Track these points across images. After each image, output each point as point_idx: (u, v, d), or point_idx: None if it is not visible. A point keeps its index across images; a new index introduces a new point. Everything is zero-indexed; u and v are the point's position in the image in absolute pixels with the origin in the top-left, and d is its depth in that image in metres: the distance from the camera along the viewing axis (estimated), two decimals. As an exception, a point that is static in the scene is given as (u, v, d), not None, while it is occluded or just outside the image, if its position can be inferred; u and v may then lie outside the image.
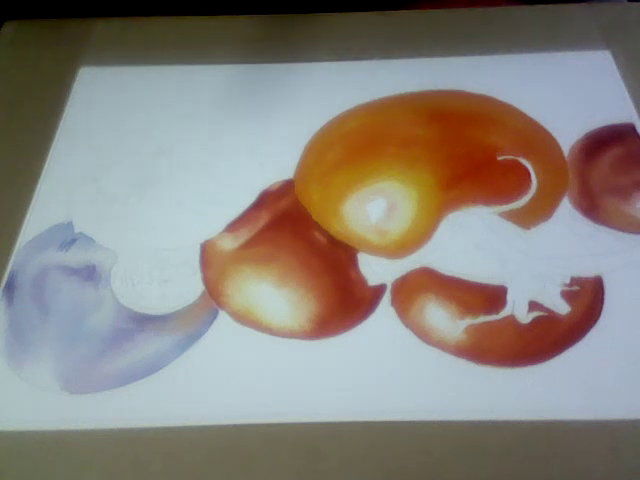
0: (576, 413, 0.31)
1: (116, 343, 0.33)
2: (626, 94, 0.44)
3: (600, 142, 0.41)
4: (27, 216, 0.38)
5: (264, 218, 0.38)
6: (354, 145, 0.41)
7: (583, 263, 0.36)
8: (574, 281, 0.35)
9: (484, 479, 0.30)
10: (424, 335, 0.34)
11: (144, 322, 0.34)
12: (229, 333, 0.34)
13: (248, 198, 0.39)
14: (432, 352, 0.33)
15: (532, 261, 0.36)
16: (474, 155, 0.40)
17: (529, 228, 0.37)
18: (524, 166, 0.40)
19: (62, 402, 0.32)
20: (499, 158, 0.41)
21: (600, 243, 0.37)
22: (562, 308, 0.34)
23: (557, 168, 0.40)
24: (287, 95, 0.45)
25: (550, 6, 0.49)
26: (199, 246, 0.37)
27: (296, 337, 0.34)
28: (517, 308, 0.34)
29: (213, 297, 0.35)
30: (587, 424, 0.31)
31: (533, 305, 0.34)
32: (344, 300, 0.35)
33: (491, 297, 0.35)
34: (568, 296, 0.35)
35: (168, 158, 0.41)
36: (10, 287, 0.36)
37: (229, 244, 0.37)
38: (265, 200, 0.39)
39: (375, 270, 0.36)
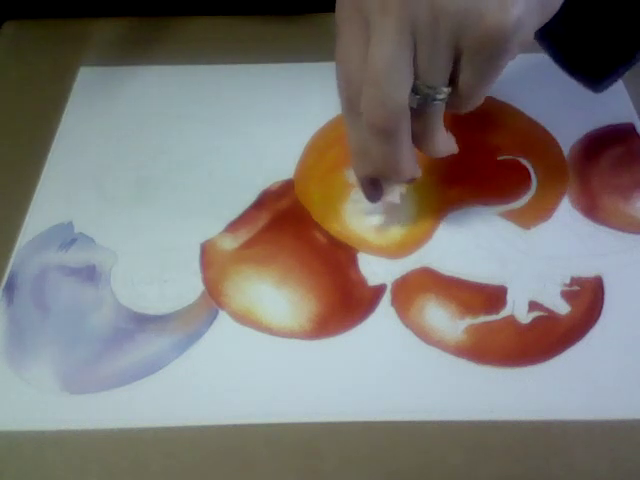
0: (576, 413, 0.31)
1: (116, 343, 0.33)
2: (626, 94, 0.44)
3: (600, 142, 0.41)
4: (27, 216, 0.38)
5: (264, 218, 0.38)
6: (354, 145, 0.41)
7: (583, 263, 0.36)
8: (574, 281, 0.35)
9: (484, 479, 0.30)
10: (424, 335, 0.33)
11: (144, 322, 0.34)
12: (229, 333, 0.34)
13: (248, 198, 0.39)
14: (432, 352, 0.33)
15: (532, 261, 0.36)
16: (474, 155, 0.40)
17: (529, 228, 0.37)
18: (524, 166, 0.40)
19: (62, 402, 0.32)
20: (499, 158, 0.41)
21: (600, 243, 0.37)
22: (562, 308, 0.34)
23: (557, 168, 0.40)
24: (287, 95, 0.45)
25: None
26: (199, 246, 0.37)
27: (296, 337, 0.34)
28: (517, 308, 0.34)
29: (213, 297, 0.35)
30: (587, 424, 0.31)
31: (533, 305, 0.34)
32: (344, 300, 0.35)
33: (491, 297, 0.35)
34: (568, 296, 0.34)
35: (168, 158, 0.41)
36: (10, 287, 0.35)
37: (229, 244, 0.37)
38: (265, 200, 0.39)
39: (375, 270, 0.36)
